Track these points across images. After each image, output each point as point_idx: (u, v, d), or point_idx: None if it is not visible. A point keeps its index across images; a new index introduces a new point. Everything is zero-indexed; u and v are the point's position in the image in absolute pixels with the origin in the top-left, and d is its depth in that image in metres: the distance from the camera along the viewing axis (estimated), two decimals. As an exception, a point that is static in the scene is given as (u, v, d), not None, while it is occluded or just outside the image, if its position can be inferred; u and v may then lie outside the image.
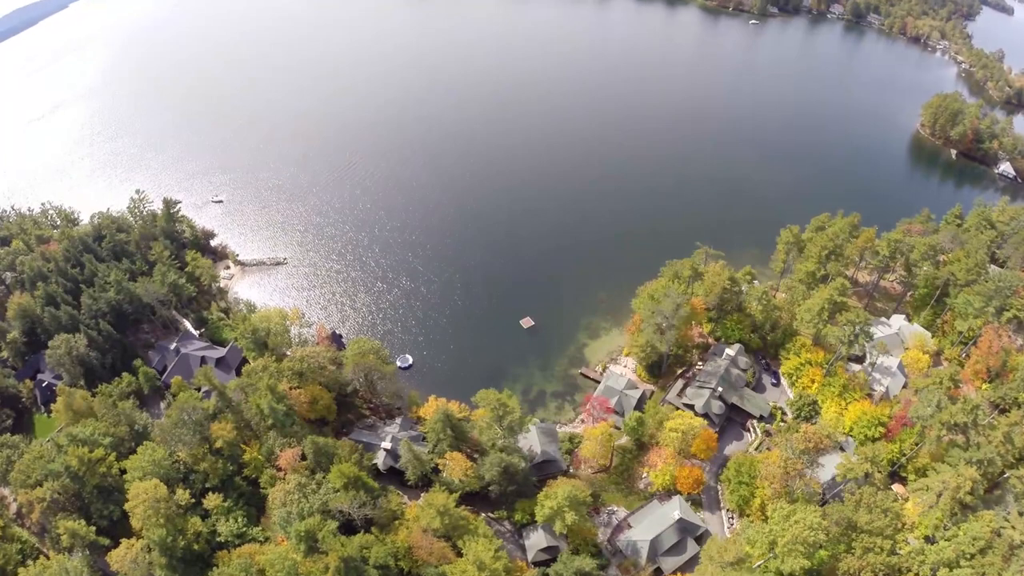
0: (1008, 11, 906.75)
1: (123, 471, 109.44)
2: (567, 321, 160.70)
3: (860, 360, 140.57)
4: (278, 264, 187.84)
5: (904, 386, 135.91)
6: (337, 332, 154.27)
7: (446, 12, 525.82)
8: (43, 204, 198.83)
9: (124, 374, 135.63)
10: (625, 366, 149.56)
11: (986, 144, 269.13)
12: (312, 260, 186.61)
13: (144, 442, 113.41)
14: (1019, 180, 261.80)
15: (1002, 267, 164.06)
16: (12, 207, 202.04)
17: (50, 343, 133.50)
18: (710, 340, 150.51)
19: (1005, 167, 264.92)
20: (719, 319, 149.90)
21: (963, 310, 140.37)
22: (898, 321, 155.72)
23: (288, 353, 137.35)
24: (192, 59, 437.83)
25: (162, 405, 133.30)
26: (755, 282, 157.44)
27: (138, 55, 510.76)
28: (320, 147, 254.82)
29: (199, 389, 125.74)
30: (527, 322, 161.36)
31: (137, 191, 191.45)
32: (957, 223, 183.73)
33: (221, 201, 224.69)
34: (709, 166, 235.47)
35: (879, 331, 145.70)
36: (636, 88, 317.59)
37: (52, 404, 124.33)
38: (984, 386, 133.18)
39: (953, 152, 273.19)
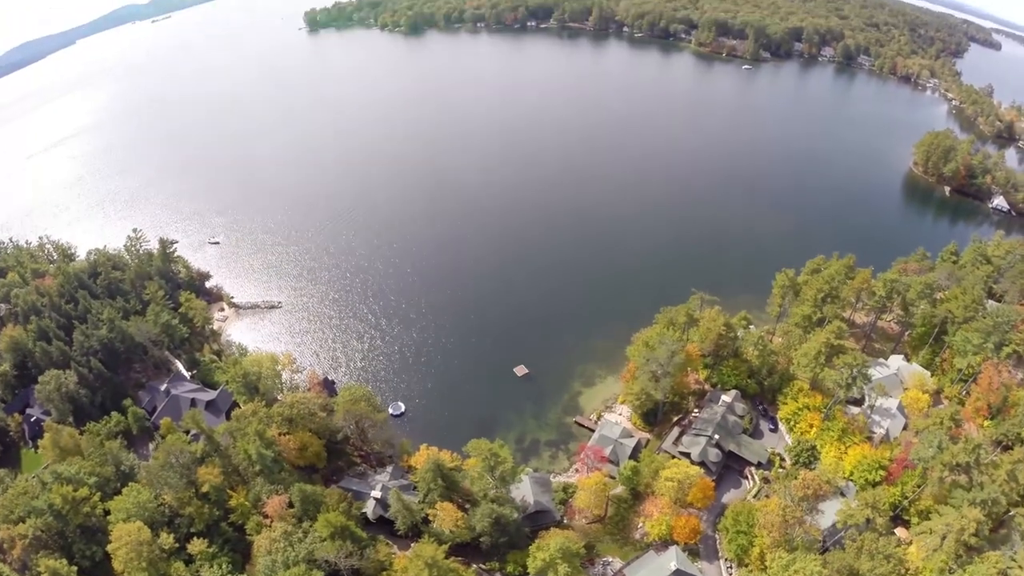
0: (995, 46, 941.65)
1: (107, 511, 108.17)
2: (561, 369, 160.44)
3: (859, 403, 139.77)
4: (272, 308, 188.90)
5: (904, 427, 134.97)
6: (329, 378, 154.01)
7: (445, 56, 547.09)
8: (40, 238, 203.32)
9: (113, 413, 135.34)
10: (620, 414, 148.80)
11: (979, 179, 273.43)
12: (306, 305, 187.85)
13: (130, 483, 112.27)
14: (1013, 213, 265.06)
15: (1000, 302, 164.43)
16: (10, 239, 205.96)
17: (40, 378, 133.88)
18: (706, 387, 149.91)
19: (999, 201, 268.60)
20: (715, 365, 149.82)
21: (962, 347, 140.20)
22: (896, 361, 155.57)
23: (279, 398, 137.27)
24: (194, 101, 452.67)
25: (151, 446, 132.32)
26: (751, 327, 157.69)
27: (140, 94, 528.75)
28: (317, 192, 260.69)
29: (188, 432, 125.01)
30: (521, 370, 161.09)
31: (134, 230, 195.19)
32: (953, 260, 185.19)
33: (218, 243, 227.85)
34: (704, 210, 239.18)
35: (877, 372, 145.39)
36: (631, 132, 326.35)
37: (39, 440, 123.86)
38: (986, 423, 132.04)
39: (947, 189, 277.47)
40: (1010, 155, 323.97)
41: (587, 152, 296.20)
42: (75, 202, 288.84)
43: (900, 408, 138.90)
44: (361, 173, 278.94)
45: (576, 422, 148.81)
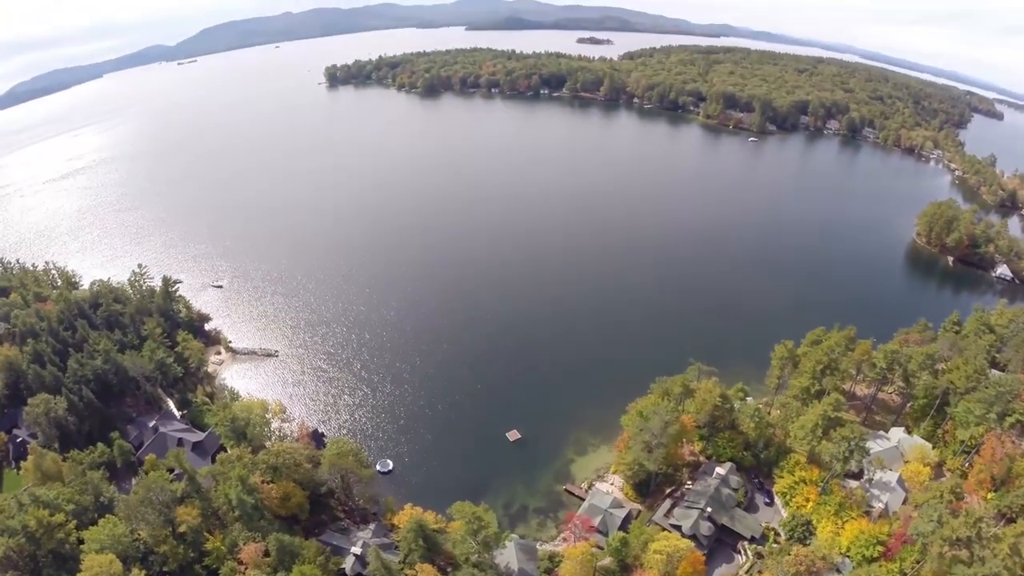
0: (998, 116, 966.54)
1: (81, 540, 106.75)
2: (554, 435, 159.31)
3: (858, 476, 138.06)
4: (269, 356, 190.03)
5: (904, 501, 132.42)
6: (319, 431, 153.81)
7: (458, 118, 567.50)
8: (46, 263, 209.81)
9: (99, 444, 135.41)
10: (612, 484, 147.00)
11: (982, 248, 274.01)
12: (301, 356, 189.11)
13: (107, 515, 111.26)
14: (1017, 282, 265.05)
15: (1004, 371, 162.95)
16: (17, 260, 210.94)
17: (30, 401, 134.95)
18: (701, 458, 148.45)
19: (1002, 270, 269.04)
20: (710, 437, 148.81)
21: (964, 418, 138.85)
22: (897, 434, 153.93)
23: (266, 446, 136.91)
24: (208, 145, 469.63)
25: (133, 481, 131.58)
26: (748, 399, 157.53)
27: (158, 133, 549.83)
28: (322, 245, 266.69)
29: (171, 470, 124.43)
30: (513, 435, 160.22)
31: (139, 265, 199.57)
32: (955, 330, 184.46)
33: (221, 287, 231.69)
34: (705, 280, 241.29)
35: (878, 445, 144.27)
36: (636, 200, 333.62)
37: (23, 461, 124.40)
38: (990, 495, 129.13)
39: (950, 259, 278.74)
40: (1013, 223, 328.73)
41: (590, 219, 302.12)
42: (84, 231, 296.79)
43: (900, 482, 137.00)
44: (367, 229, 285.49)
45: (566, 490, 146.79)
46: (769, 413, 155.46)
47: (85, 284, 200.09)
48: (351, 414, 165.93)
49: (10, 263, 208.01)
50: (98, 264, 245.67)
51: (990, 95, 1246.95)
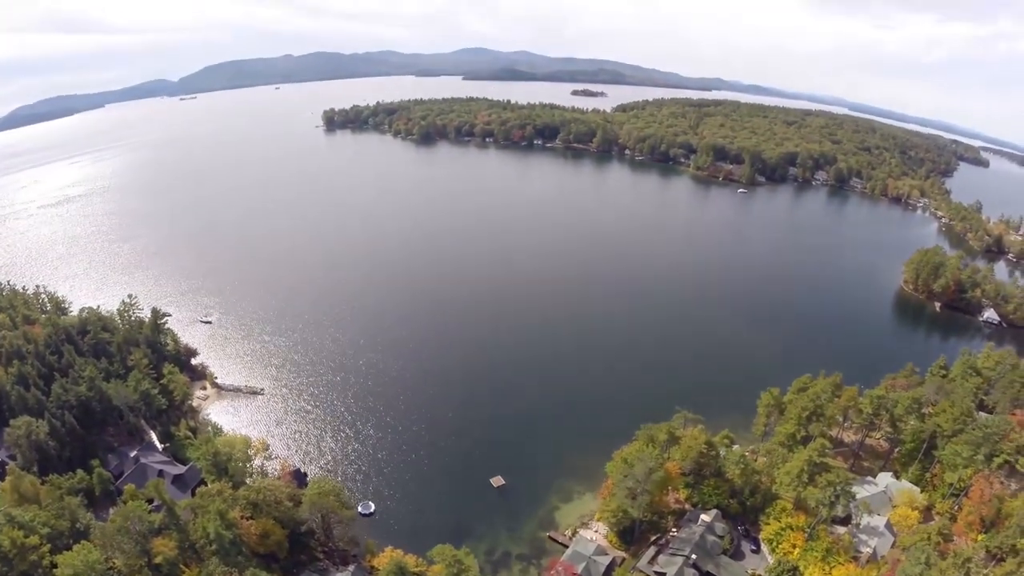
0: (984, 164, 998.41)
1: (54, 565, 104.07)
2: (539, 482, 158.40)
3: (845, 522, 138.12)
4: (254, 393, 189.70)
5: (892, 545, 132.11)
6: (301, 470, 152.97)
7: (452, 166, 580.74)
8: (37, 286, 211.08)
9: (79, 471, 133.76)
10: (596, 531, 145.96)
11: (969, 293, 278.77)
12: (285, 396, 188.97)
13: (83, 541, 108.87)
14: (1004, 325, 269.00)
15: (991, 414, 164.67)
16: (8, 282, 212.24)
17: (12, 422, 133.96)
18: (686, 506, 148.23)
19: (989, 314, 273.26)
20: (696, 484, 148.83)
21: (951, 460, 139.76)
22: (885, 479, 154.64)
23: (247, 482, 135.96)
24: (205, 183, 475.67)
25: (111, 510, 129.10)
26: (734, 446, 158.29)
27: (156, 167, 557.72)
28: (310, 286, 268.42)
29: (150, 501, 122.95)
30: (497, 481, 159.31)
31: (129, 295, 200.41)
32: (942, 374, 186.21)
33: (210, 322, 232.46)
34: (692, 329, 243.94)
35: (865, 490, 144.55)
36: (624, 249, 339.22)
37: (0, 481, 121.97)
38: (980, 537, 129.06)
39: (937, 305, 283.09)
40: (1000, 268, 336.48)
41: (580, 267, 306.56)
42: (75, 258, 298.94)
43: (888, 526, 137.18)
44: (356, 274, 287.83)
45: (550, 537, 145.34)
46: (755, 460, 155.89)
47: (74, 310, 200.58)
48: (334, 455, 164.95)
49: (0, 285, 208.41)
50: (87, 292, 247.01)
51: (976, 143, 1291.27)
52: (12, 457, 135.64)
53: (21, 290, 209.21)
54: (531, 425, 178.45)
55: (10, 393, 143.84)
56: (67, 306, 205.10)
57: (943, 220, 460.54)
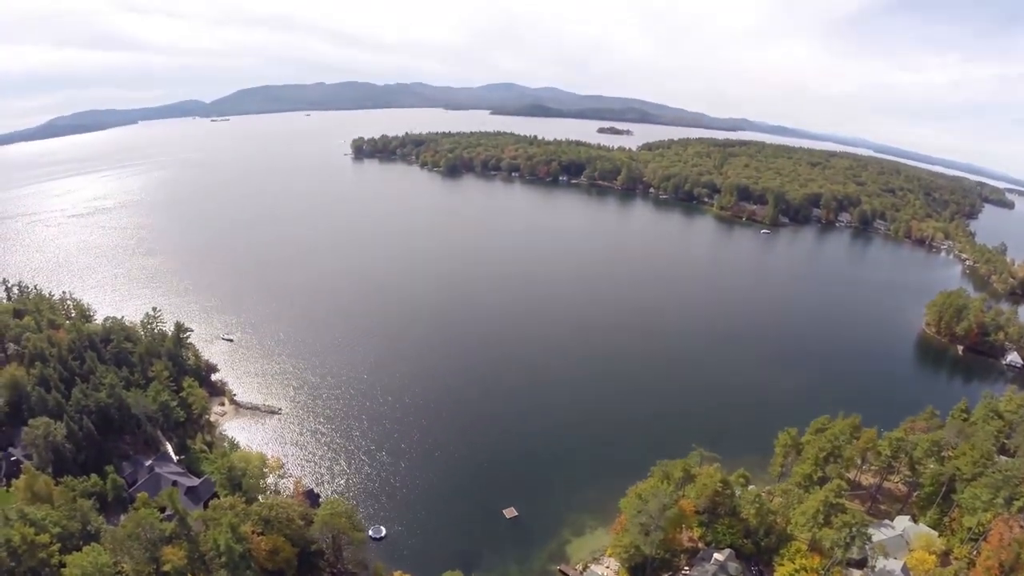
0: (1009, 205, 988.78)
1: (63, 564, 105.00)
2: (552, 515, 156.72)
3: (861, 565, 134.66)
4: (272, 413, 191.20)
5: None
6: (314, 491, 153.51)
7: (477, 198, 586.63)
8: (63, 292, 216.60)
9: (93, 475, 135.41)
10: (607, 567, 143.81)
11: (992, 336, 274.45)
12: (302, 417, 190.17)
13: (93, 543, 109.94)
14: None
15: (1012, 457, 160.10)
16: (35, 286, 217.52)
17: (31, 422, 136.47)
18: (700, 544, 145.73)
19: (1013, 357, 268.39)
20: (710, 523, 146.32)
21: (970, 504, 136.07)
22: (903, 522, 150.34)
23: (260, 499, 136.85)
24: (233, 204, 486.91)
25: (122, 517, 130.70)
26: (750, 486, 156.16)
27: (185, 185, 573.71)
28: (332, 311, 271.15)
29: (162, 510, 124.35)
30: (510, 512, 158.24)
31: (154, 308, 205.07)
32: (963, 417, 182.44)
33: (231, 340, 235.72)
34: (712, 368, 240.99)
35: (882, 533, 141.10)
36: (646, 286, 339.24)
37: (15, 479, 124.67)
38: None
39: (959, 348, 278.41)
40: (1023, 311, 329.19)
41: (600, 302, 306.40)
42: (102, 268, 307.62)
43: (905, 570, 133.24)
44: (377, 299, 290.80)
45: (560, 570, 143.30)
46: (771, 500, 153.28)
47: (98, 319, 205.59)
48: (347, 478, 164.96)
49: (27, 287, 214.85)
50: (111, 302, 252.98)
51: (1001, 185, 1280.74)
52: (28, 456, 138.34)
53: (47, 295, 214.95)
54: (546, 457, 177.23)
55: (31, 394, 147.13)
56: (91, 314, 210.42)
57: (967, 262, 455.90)
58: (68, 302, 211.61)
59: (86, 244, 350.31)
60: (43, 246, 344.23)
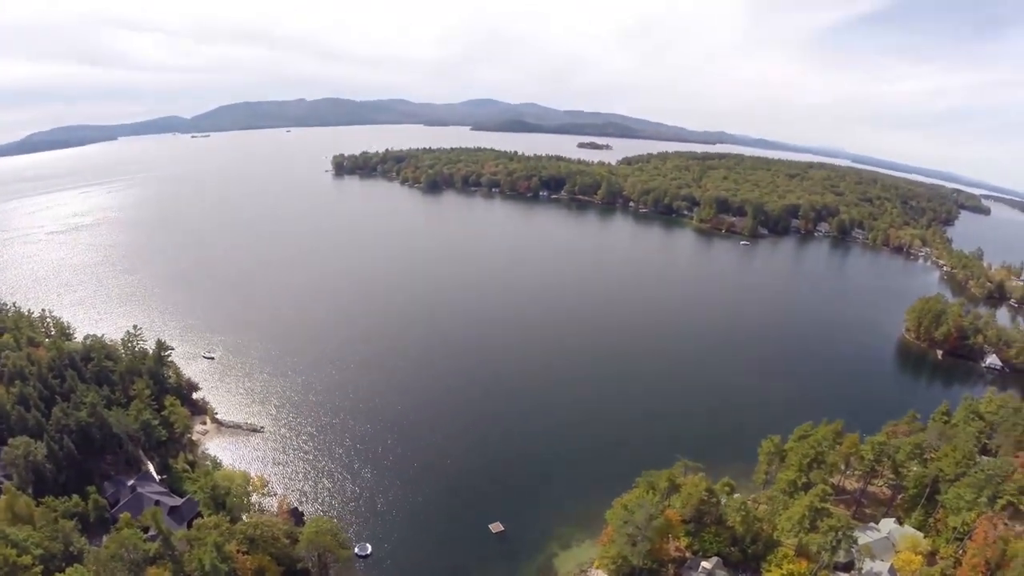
0: (985, 211, 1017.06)
1: None
2: (538, 529, 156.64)
3: (848, 568, 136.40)
4: (254, 431, 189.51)
5: None
6: (298, 509, 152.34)
7: (458, 214, 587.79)
8: (43, 310, 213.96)
9: (74, 495, 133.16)
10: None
11: (971, 340, 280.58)
12: (284, 435, 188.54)
13: (76, 564, 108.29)
14: (1007, 370, 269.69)
15: (993, 457, 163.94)
16: (13, 304, 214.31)
17: (11, 441, 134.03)
18: (687, 554, 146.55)
19: (992, 359, 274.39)
20: (697, 532, 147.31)
21: (954, 504, 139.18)
22: (888, 525, 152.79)
23: (244, 518, 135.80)
24: (213, 221, 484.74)
25: (105, 538, 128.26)
26: (735, 494, 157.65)
27: (164, 202, 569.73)
28: (313, 329, 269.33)
29: (145, 530, 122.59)
30: (496, 527, 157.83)
31: (134, 326, 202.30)
32: (944, 420, 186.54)
33: (212, 358, 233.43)
34: (693, 379, 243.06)
35: (868, 536, 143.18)
36: (626, 299, 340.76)
37: None
38: None
39: (939, 352, 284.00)
40: (1001, 314, 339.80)
41: (581, 316, 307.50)
42: (81, 286, 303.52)
43: (891, 571, 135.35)
44: (356, 317, 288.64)
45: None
46: (757, 507, 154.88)
47: (78, 337, 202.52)
48: (331, 496, 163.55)
49: (6, 305, 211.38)
50: (91, 320, 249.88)
51: (977, 191, 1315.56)
52: (8, 476, 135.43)
53: (26, 312, 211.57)
54: (531, 471, 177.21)
55: (10, 413, 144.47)
56: (71, 332, 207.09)
57: (945, 268, 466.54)
58: (48, 320, 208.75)
59: (65, 261, 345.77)
60: (21, 263, 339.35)
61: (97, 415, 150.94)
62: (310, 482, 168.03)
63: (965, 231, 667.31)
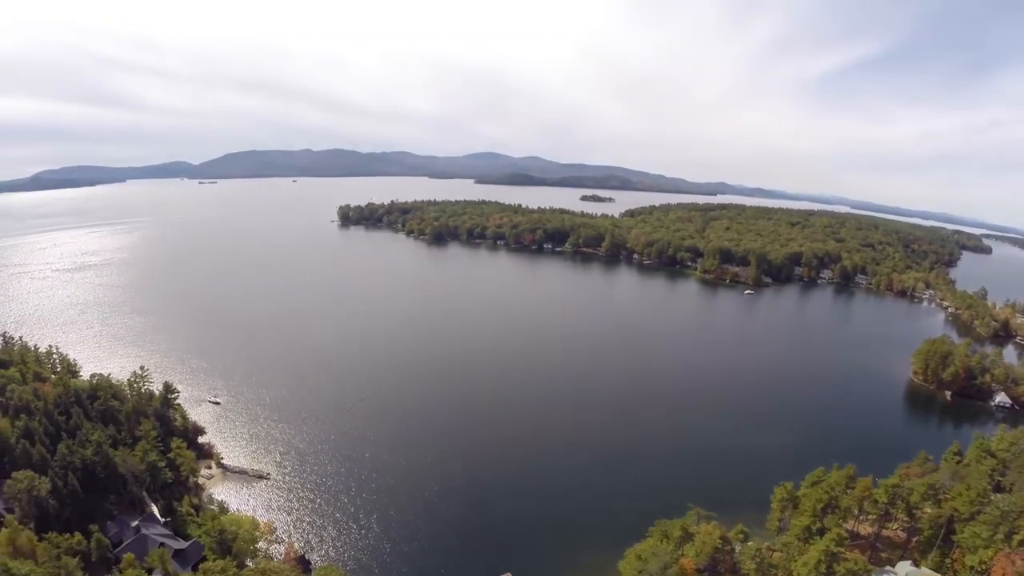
0: (986, 251, 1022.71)
1: None
2: None
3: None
4: (260, 477, 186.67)
5: None
6: (306, 557, 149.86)
7: (462, 269, 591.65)
8: (49, 346, 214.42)
9: (77, 533, 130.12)
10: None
11: (979, 379, 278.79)
12: (290, 483, 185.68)
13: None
14: (1016, 408, 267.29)
15: (1008, 493, 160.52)
16: (20, 338, 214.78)
17: (15, 475, 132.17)
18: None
19: (1001, 398, 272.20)
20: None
21: (971, 543, 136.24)
22: (905, 568, 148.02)
23: (249, 563, 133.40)
24: (220, 266, 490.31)
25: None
26: (749, 542, 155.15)
27: (172, 246, 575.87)
28: (319, 378, 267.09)
29: (150, 571, 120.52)
30: None
31: (141, 367, 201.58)
32: (956, 460, 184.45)
33: (218, 403, 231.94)
34: (703, 428, 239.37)
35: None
36: (634, 349, 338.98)
37: None
38: None
39: (948, 393, 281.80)
40: (1008, 352, 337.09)
41: (588, 363, 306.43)
42: (87, 325, 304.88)
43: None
44: (360, 366, 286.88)
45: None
46: (771, 555, 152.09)
47: (84, 375, 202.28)
48: (336, 545, 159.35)
49: (12, 339, 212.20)
50: (96, 359, 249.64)
51: (978, 231, 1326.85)
52: (10, 509, 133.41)
53: (33, 347, 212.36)
54: (541, 521, 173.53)
55: (15, 446, 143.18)
56: (78, 369, 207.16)
57: (949, 310, 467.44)
58: (54, 356, 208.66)
59: (71, 299, 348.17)
60: (28, 298, 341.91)
61: (102, 454, 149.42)
62: (315, 530, 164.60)
63: (968, 271, 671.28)
